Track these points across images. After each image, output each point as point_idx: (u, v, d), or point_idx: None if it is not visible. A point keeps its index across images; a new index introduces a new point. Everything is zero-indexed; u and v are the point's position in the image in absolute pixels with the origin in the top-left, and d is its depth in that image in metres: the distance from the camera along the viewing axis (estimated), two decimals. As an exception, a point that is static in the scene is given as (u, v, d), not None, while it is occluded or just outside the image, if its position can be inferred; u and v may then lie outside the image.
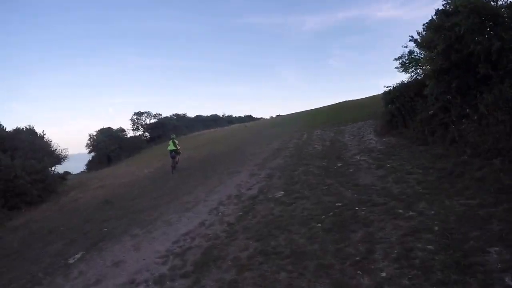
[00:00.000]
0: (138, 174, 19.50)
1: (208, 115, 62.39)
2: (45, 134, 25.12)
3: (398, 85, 15.60)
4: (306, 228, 5.89)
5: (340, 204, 6.71)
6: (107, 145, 39.44)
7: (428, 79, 12.55)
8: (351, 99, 40.41)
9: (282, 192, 8.41)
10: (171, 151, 16.47)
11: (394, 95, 14.97)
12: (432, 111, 11.34)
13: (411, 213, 5.75)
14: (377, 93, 38.09)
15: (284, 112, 64.38)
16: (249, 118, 67.98)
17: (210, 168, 15.04)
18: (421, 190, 6.80)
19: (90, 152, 41.34)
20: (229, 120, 62.54)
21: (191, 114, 60.13)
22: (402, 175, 8.13)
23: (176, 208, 9.52)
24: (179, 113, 56.55)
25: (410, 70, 15.27)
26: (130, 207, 11.00)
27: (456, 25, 11.10)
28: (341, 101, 40.90)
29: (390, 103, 15.09)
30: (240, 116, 69.76)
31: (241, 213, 7.61)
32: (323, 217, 6.21)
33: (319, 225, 5.89)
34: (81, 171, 38.21)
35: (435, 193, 6.49)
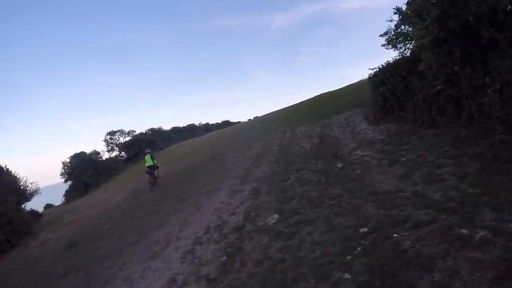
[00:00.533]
0: (111, 201, 17.06)
1: (185, 125, 59.73)
2: (7, 168, 22.00)
3: (385, 65, 13.80)
4: (329, 284, 3.68)
5: (365, 229, 4.53)
6: (82, 171, 36.30)
7: (423, 52, 10.79)
8: (326, 91, 38.90)
9: (276, 216, 6.16)
10: (149, 167, 15.16)
11: (383, 77, 13.15)
12: (439, 87, 9.49)
13: (481, 232, 3.71)
14: (352, 82, 37.17)
15: (261, 113, 62.43)
16: (226, 123, 65.68)
17: (186, 186, 12.69)
18: (470, 190, 4.79)
19: (66, 181, 37.99)
20: (207, 128, 60.13)
21: (167, 126, 57.30)
22: (430, 170, 6.13)
23: (142, 252, 7.19)
24: (154, 127, 53.60)
25: (399, 46, 13.47)
26: (94, 252, 8.80)
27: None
28: (317, 94, 39.33)
29: (379, 86, 13.26)
30: (217, 123, 67.58)
31: (224, 257, 5.32)
32: (348, 258, 3.99)
33: (348, 276, 3.65)
34: (62, 202, 35.12)
35: (493, 192, 4.52)
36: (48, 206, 33.97)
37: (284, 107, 41.92)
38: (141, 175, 20.67)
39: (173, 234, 7.52)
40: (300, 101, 40.73)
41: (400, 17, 13.27)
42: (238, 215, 7.09)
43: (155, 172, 15.46)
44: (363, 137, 11.06)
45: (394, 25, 13.13)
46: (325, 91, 38.79)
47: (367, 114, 14.68)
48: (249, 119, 52.57)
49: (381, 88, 12.53)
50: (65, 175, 37.85)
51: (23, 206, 19.88)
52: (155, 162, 15.56)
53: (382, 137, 10.23)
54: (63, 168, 38.03)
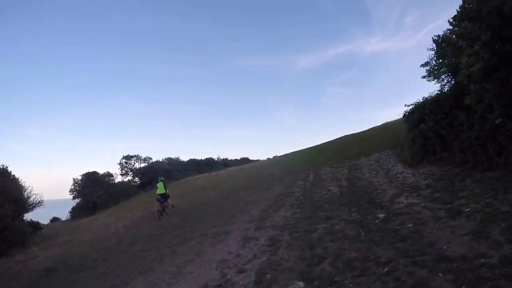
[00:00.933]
0: (111, 227, 15.98)
1: (203, 158, 58.62)
2: (13, 175, 21.32)
3: (424, 100, 12.38)
4: None
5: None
6: (92, 191, 35.48)
7: (472, 82, 9.40)
8: (350, 133, 37.30)
9: (301, 285, 4.43)
10: (160, 194, 14.82)
11: (422, 113, 11.69)
12: (499, 120, 7.91)
13: None
14: (377, 125, 35.59)
15: (282, 152, 60.88)
16: (245, 160, 64.38)
17: (192, 224, 11.18)
18: None
19: (74, 198, 37.01)
20: (225, 163, 58.75)
21: (185, 158, 56.42)
22: (510, 224, 4.47)
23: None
24: (171, 156, 52.76)
25: (442, 77, 12.01)
26: (68, 286, 7.75)
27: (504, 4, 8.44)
28: (341, 136, 37.71)
29: (417, 123, 11.76)
30: (236, 159, 66.26)
31: None
32: None
33: None
34: (67, 219, 34.42)
35: None
36: (55, 220, 34.15)
37: (306, 147, 40.35)
38: (150, 204, 19.94)
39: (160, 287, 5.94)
40: (322, 142, 39.16)
41: (435, 49, 12.00)
42: (248, 274, 5.37)
43: (167, 201, 15.03)
44: (403, 181, 9.41)
45: (435, 54, 11.75)
46: (349, 133, 37.27)
47: (402, 155, 13.04)
48: (269, 158, 51.03)
49: (422, 125, 10.99)
50: (74, 192, 37.11)
51: (24, 216, 19.40)
52: (167, 191, 15.19)
53: (426, 181, 8.59)
54: (73, 185, 37.39)
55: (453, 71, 10.54)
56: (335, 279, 4.30)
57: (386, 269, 4.17)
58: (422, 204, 6.62)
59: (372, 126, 34.65)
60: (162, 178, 16.47)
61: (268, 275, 5.06)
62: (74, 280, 7.89)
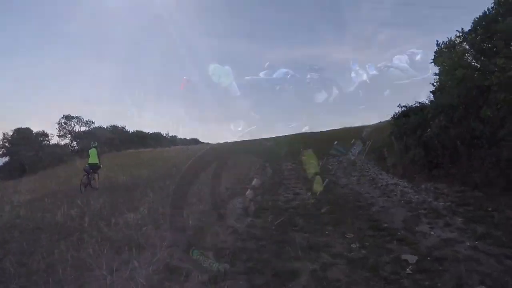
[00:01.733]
0: (13, 202, 11.58)
1: (150, 132, 53.40)
2: None
3: (421, 105, 10.13)
4: None
5: None
6: (22, 151, 29.91)
7: (500, 90, 7.15)
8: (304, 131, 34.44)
9: None
10: (91, 164, 12.02)
11: (421, 119, 9.40)
12: None
13: None
14: (337, 128, 33.32)
15: (233, 139, 57.48)
16: (195, 141, 60.35)
17: (93, 223, 7.53)
18: None
19: (2, 156, 31.35)
20: (173, 140, 54.19)
21: (131, 128, 50.64)
22: None
23: None
24: (117, 125, 46.72)
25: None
26: None
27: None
28: (296, 133, 34.92)
29: (415, 129, 9.42)
30: (185, 138, 61.90)
31: None
32: None
33: None
34: None
35: None
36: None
37: (258, 138, 37.30)
38: (74, 176, 15.86)
39: None
40: (278, 135, 36.35)
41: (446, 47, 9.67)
42: None
43: (96, 174, 12.19)
44: (404, 198, 6.91)
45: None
46: (305, 131, 34.60)
47: (386, 163, 10.66)
48: (219, 143, 47.56)
49: (428, 130, 8.57)
50: (2, 149, 31.29)
51: None
52: (99, 161, 12.44)
53: (442, 203, 6.14)
54: (2, 140, 31.39)
55: (470, 78, 8.13)
56: None
57: None
58: (468, 243, 4.01)
59: (328, 129, 32.28)
60: (96, 144, 13.25)
61: None
62: None
